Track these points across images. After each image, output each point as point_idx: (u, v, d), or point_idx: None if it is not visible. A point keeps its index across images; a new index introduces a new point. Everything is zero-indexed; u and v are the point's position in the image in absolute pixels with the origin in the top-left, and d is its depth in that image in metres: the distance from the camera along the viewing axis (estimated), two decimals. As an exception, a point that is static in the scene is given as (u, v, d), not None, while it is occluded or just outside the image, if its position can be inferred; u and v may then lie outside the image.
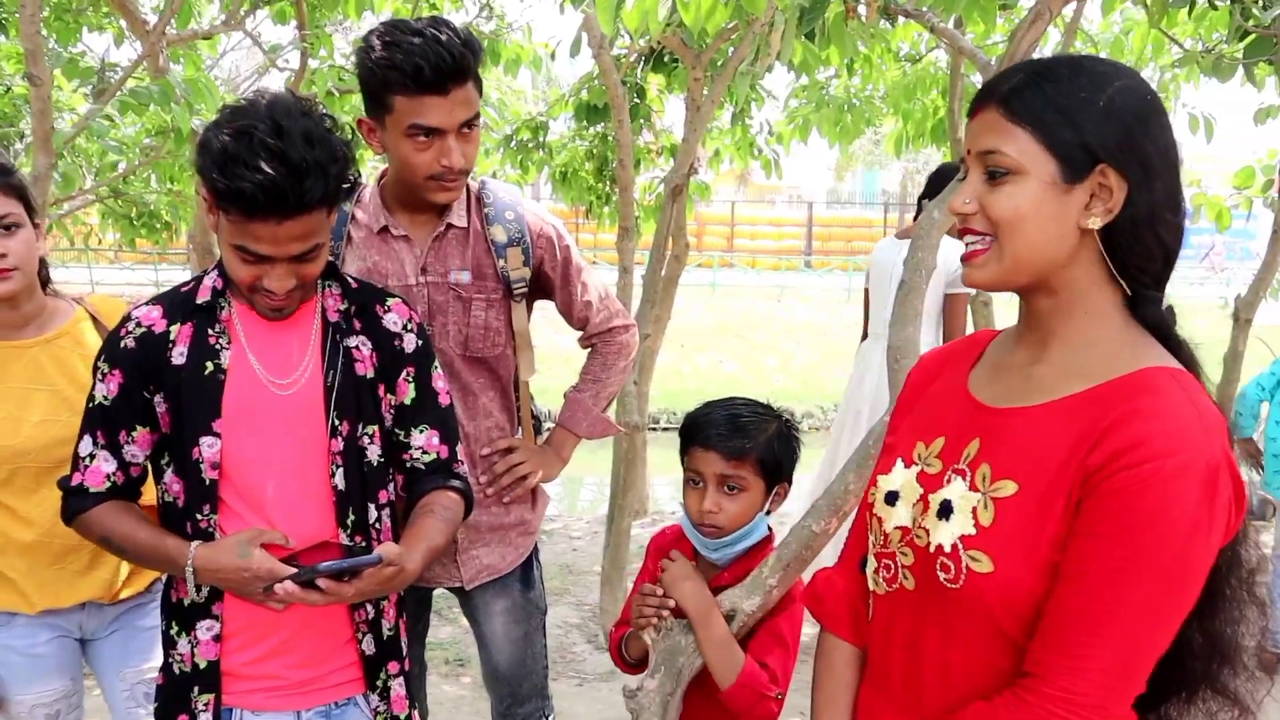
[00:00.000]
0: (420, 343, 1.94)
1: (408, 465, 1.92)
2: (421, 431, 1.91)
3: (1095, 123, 1.16)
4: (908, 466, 1.33)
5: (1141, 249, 1.19)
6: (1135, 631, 1.11)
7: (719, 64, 5.05)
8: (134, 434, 1.79)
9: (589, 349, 2.54)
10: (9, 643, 2.26)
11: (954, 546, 1.21)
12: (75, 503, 1.82)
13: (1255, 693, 1.25)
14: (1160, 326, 1.22)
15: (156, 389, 1.78)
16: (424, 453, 1.92)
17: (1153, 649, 1.13)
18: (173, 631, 1.84)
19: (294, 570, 1.62)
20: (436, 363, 1.98)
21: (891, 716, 1.34)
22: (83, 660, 2.40)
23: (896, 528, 1.31)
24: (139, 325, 1.80)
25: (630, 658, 2.10)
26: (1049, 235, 1.18)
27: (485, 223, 2.29)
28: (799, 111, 6.84)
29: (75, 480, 1.83)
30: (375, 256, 2.25)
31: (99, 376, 1.80)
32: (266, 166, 1.59)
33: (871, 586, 1.38)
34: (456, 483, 1.94)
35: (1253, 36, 3.83)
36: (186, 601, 1.81)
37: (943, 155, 6.79)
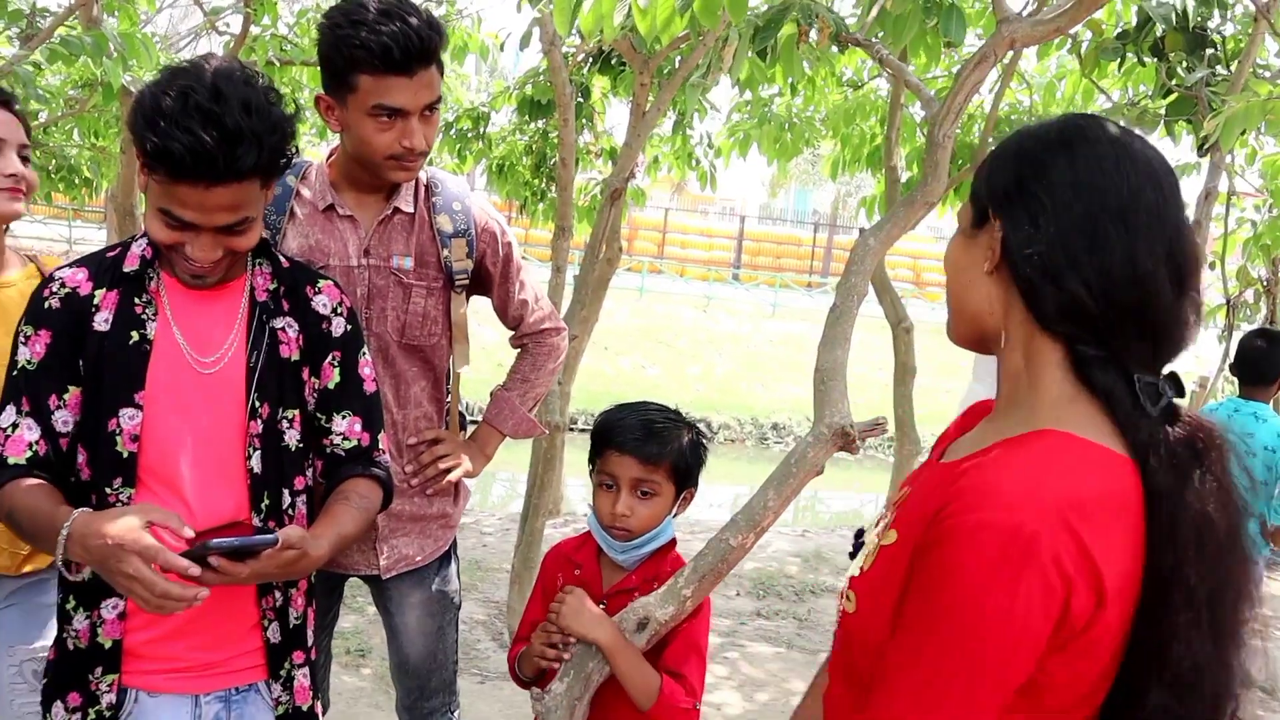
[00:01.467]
0: (349, 327, 1.90)
1: (328, 451, 1.88)
2: (344, 418, 1.88)
3: (993, 172, 1.20)
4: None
5: (1052, 296, 1.10)
6: (926, 687, 1.05)
7: (665, 71, 5.07)
8: (65, 396, 1.72)
9: (519, 349, 2.54)
10: None
11: (845, 585, 1.24)
12: None
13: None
14: (1106, 392, 1.10)
15: (78, 353, 1.72)
16: (345, 439, 1.88)
17: (951, 711, 1.04)
18: (69, 606, 1.76)
19: (186, 550, 1.53)
20: (365, 349, 1.94)
21: None
22: None
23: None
24: (63, 286, 1.73)
25: (525, 675, 2.09)
26: (964, 282, 1.22)
27: (432, 211, 2.27)
28: (740, 125, 6.89)
29: None
30: (318, 234, 2.21)
31: (22, 340, 1.72)
32: (199, 130, 1.54)
33: None
34: (376, 471, 1.91)
35: (1175, 95, 3.98)
36: (87, 577, 1.74)
37: (876, 181, 6.90)
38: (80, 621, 1.75)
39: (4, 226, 2.23)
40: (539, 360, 2.51)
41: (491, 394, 2.52)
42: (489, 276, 2.38)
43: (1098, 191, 1.10)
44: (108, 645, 1.73)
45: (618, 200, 4.95)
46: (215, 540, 1.54)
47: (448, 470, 2.35)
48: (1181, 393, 1.13)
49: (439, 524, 2.41)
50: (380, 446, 1.94)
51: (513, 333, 2.51)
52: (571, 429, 9.39)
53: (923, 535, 1.09)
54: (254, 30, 5.22)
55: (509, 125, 6.96)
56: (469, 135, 6.81)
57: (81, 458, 1.72)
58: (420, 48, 2.02)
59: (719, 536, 2.06)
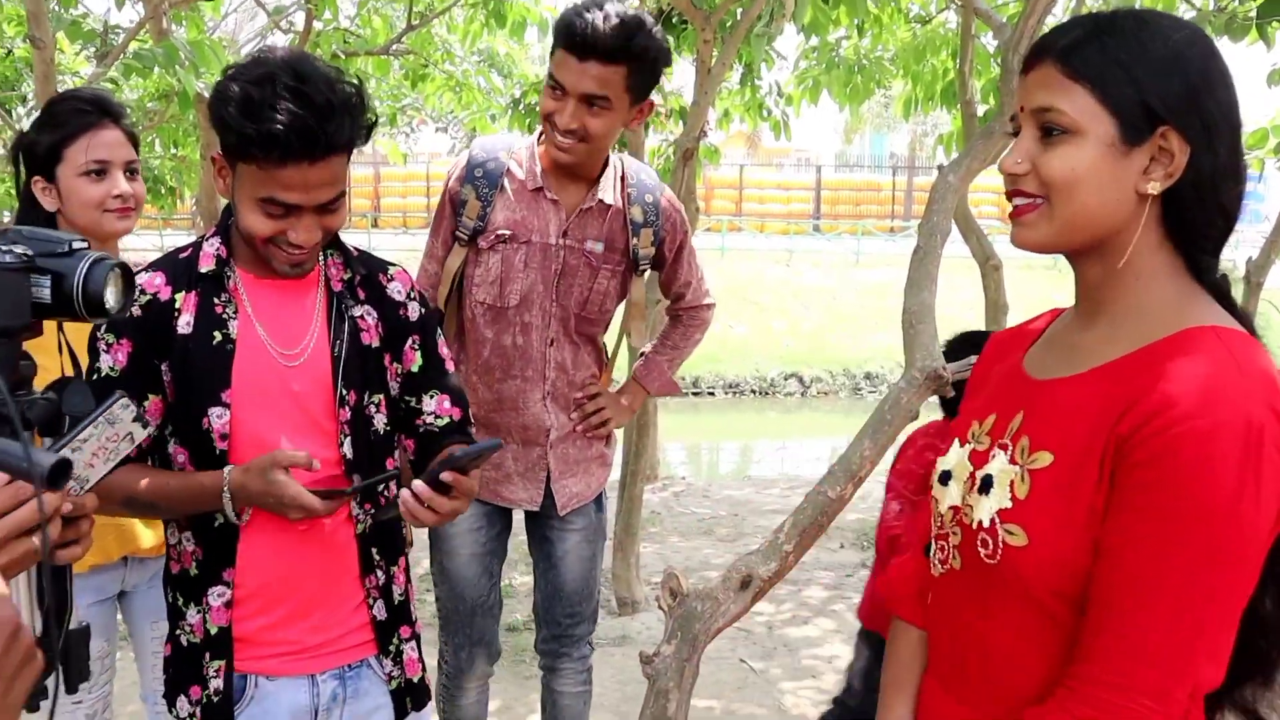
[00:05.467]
0: (423, 310, 1.93)
1: (421, 430, 1.92)
2: (432, 397, 1.91)
3: (1158, 81, 1.10)
4: (962, 445, 1.29)
5: (1203, 215, 1.13)
6: (1186, 608, 1.03)
7: (728, 25, 4.99)
8: (145, 403, 1.77)
9: (672, 316, 2.78)
10: None
11: (992, 521, 1.16)
12: None
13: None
14: (1222, 290, 1.16)
15: (162, 357, 1.77)
16: (437, 417, 1.92)
17: (1213, 626, 1.05)
18: (179, 603, 1.82)
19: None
20: (440, 330, 1.98)
21: (946, 702, 1.29)
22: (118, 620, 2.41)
23: (950, 507, 1.27)
24: (143, 293, 1.77)
25: None
26: (1105, 199, 1.12)
27: (628, 201, 2.49)
28: (808, 73, 6.77)
29: None
30: (525, 211, 2.42)
31: (103, 347, 1.76)
32: (296, 107, 1.58)
33: (931, 570, 1.33)
34: (470, 441, 1.95)
35: (1266, -5, 3.77)
36: (192, 572, 1.80)
37: (952, 118, 6.72)
38: (193, 616, 1.80)
39: (113, 242, 2.29)
40: (690, 331, 2.77)
41: (643, 354, 2.78)
42: (664, 259, 2.62)
43: (1237, 114, 1.13)
44: (214, 632, 1.79)
45: (690, 160, 4.90)
46: (459, 451, 1.66)
47: (605, 420, 2.61)
48: (1229, 288, 1.20)
49: (598, 463, 2.67)
50: (471, 421, 1.98)
51: (671, 302, 2.75)
52: (662, 394, 9.48)
53: (1109, 450, 1.08)
54: (316, 26, 5.28)
55: (576, 95, 6.94)
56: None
57: (182, 457, 1.77)
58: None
59: (817, 489, 2.04)
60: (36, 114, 3.03)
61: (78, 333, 1.51)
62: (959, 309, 14.57)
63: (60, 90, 3.43)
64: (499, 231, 2.41)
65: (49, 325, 1.16)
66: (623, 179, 2.50)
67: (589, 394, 2.60)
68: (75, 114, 2.19)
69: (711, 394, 15.07)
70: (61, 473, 0.78)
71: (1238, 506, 1.02)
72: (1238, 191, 1.14)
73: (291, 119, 1.57)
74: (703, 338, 2.82)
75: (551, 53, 2.32)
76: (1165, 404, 1.04)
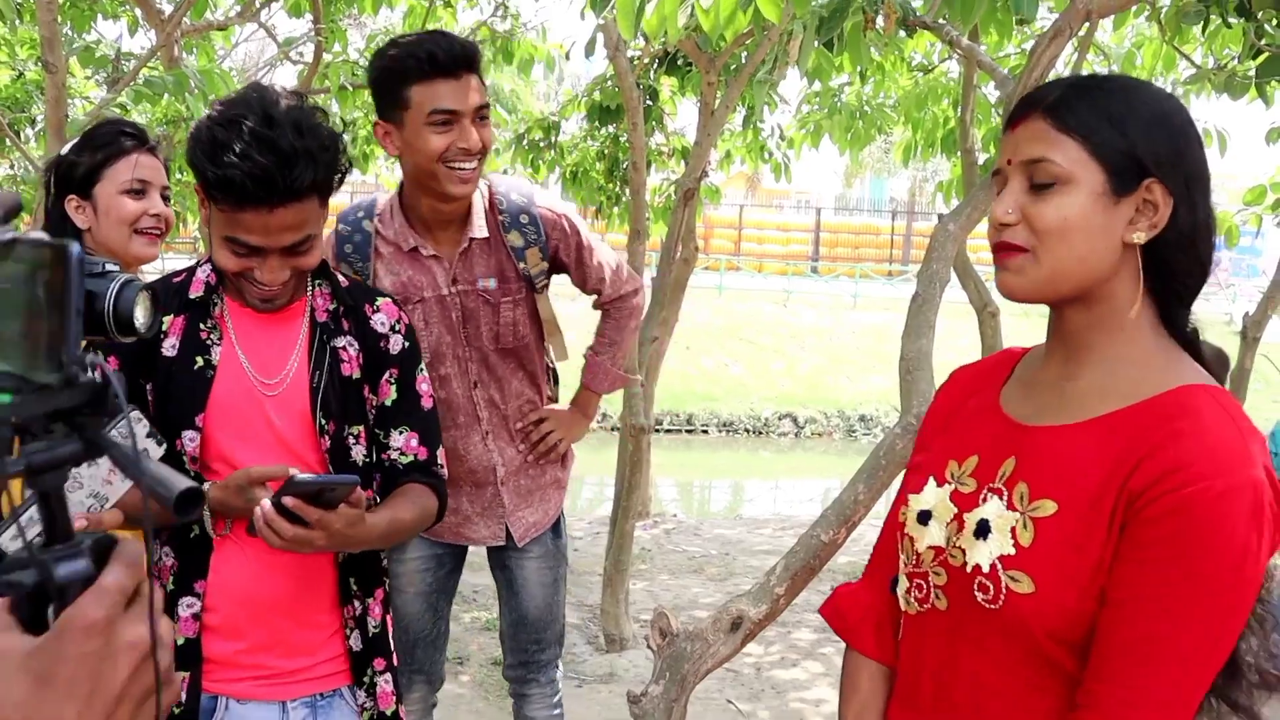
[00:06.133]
0: (407, 344, 1.94)
1: (386, 465, 1.92)
2: (401, 433, 1.92)
3: (1144, 136, 1.15)
4: (940, 485, 1.30)
5: (1183, 266, 1.18)
6: (1191, 660, 1.09)
7: (732, 68, 5.05)
8: None
9: (602, 311, 2.73)
10: None
11: (993, 566, 1.18)
12: None
13: (1260, 706, 1.21)
14: (1193, 343, 1.22)
15: (147, 378, 1.79)
16: (402, 454, 1.91)
17: (1207, 676, 1.10)
18: None
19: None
20: (422, 366, 1.98)
21: None
22: None
23: (929, 547, 1.28)
24: None
25: None
26: (1094, 248, 1.16)
27: (502, 230, 2.43)
28: (810, 117, 6.84)
29: None
30: (409, 271, 2.40)
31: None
32: (256, 154, 1.59)
33: (903, 606, 1.34)
34: (433, 481, 1.94)
35: (1266, 55, 3.82)
36: (168, 588, 1.80)
37: (952, 165, 6.79)
38: None
39: (136, 268, 2.33)
40: (622, 321, 2.70)
41: (585, 358, 2.74)
42: (565, 264, 2.55)
43: (1208, 174, 1.20)
44: (181, 643, 1.78)
45: (691, 200, 4.95)
46: (300, 477, 1.60)
47: (556, 442, 2.60)
48: (1199, 339, 1.26)
49: (554, 488, 2.66)
50: (439, 461, 1.97)
51: (594, 298, 2.69)
52: (657, 430, 9.43)
53: (1120, 504, 1.12)
54: (326, 58, 5.33)
55: (580, 132, 7.00)
56: (541, 145, 6.87)
57: None
58: (461, 52, 2.22)
59: (810, 533, 2.06)
60: (48, 138, 3.06)
61: None
62: (956, 355, 14.57)
63: (69, 114, 3.47)
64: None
65: None
66: (492, 206, 2.45)
67: (530, 421, 2.58)
68: (120, 137, 2.26)
69: (705, 432, 15.06)
70: (191, 501, 0.72)
71: (1244, 566, 1.07)
72: (1212, 244, 1.20)
73: (250, 165, 1.59)
74: (640, 323, 2.80)
75: (402, 96, 2.23)
76: (1179, 464, 1.09)
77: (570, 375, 2.76)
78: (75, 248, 0.68)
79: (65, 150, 2.30)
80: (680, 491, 11.88)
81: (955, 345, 14.30)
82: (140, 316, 1.07)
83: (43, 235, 0.69)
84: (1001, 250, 1.20)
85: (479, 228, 2.40)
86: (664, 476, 9.18)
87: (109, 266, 1.18)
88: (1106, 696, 1.10)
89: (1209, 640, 1.09)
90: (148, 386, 1.79)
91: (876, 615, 1.42)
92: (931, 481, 1.32)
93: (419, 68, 2.19)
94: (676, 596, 5.69)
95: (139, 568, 0.69)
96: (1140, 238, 1.15)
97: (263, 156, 1.59)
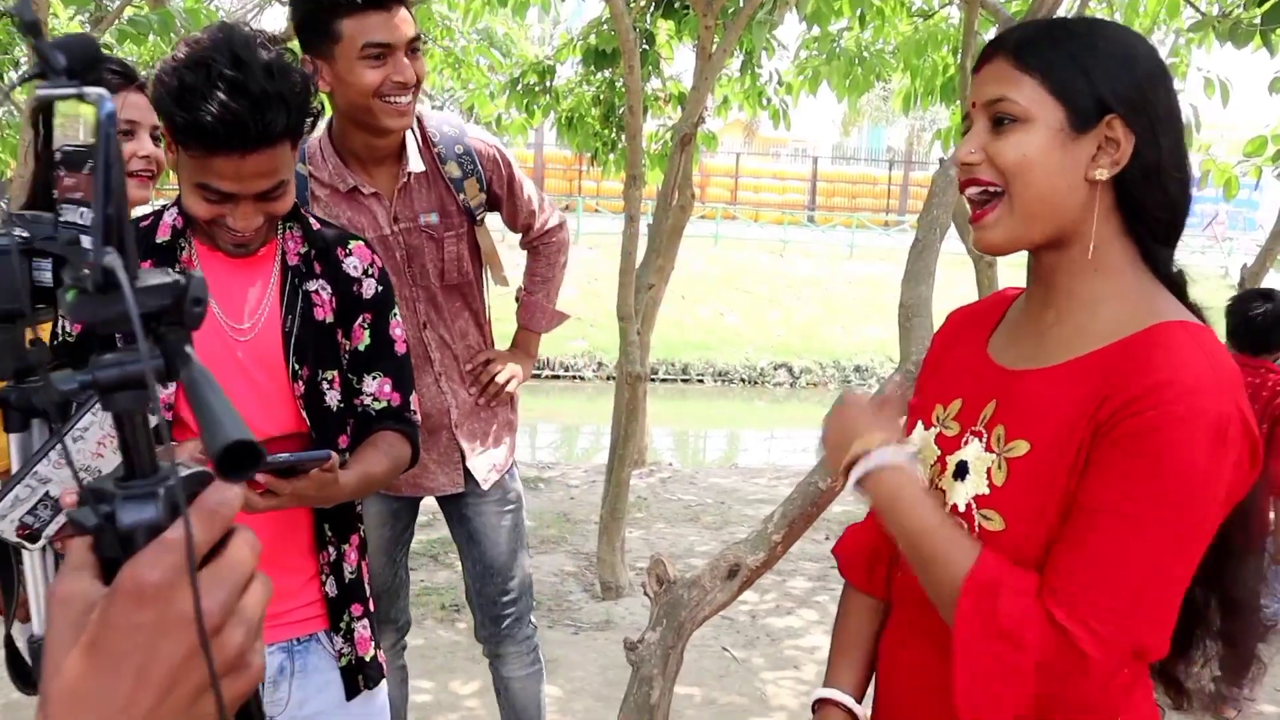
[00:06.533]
0: (380, 289, 1.91)
1: (359, 410, 1.91)
2: (374, 378, 1.90)
3: (1106, 74, 1.16)
4: (927, 428, 1.33)
5: (1151, 202, 1.19)
6: (1146, 572, 1.10)
7: (730, 12, 4.96)
8: None
9: (530, 249, 2.73)
10: None
11: (968, 506, 1.22)
12: None
13: (1265, 649, 1.26)
14: (1175, 280, 1.23)
15: None
16: (375, 399, 1.90)
17: (1165, 594, 1.11)
18: None
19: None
20: (395, 311, 1.95)
21: (911, 670, 1.35)
22: None
23: None
24: None
25: None
26: (1057, 185, 1.17)
27: (439, 161, 2.41)
28: (809, 63, 6.74)
29: None
30: (349, 213, 2.35)
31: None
32: (227, 98, 1.53)
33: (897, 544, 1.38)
34: (405, 428, 1.93)
35: (1272, 2, 3.75)
36: None
37: (951, 114, 6.71)
38: None
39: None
40: (551, 257, 2.71)
41: (517, 299, 2.73)
42: (497, 198, 2.55)
43: (1179, 116, 1.21)
44: None
45: (688, 146, 4.88)
46: (271, 456, 1.56)
47: (506, 383, 2.58)
48: (1186, 283, 1.27)
49: (505, 430, 2.65)
50: (412, 407, 1.96)
51: (522, 237, 2.70)
52: (653, 379, 9.42)
53: (1086, 437, 1.13)
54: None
55: (575, 77, 6.90)
56: (535, 89, 6.77)
57: None
58: None
59: (807, 479, 2.04)
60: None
61: None
62: (953, 303, 14.55)
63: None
64: None
65: None
66: (424, 140, 2.42)
67: (479, 362, 2.58)
68: (106, 75, 2.19)
69: (701, 381, 15.08)
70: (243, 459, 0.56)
71: (1204, 490, 1.09)
72: (1182, 182, 1.19)
73: (222, 110, 1.53)
74: (567, 259, 2.76)
75: (332, 28, 2.18)
76: (1145, 391, 1.10)
77: (504, 325, 2.75)
78: (108, 105, 0.56)
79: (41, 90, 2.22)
80: (676, 440, 11.91)
81: (954, 294, 14.24)
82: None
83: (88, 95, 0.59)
84: (970, 187, 1.22)
85: (415, 161, 2.37)
86: (660, 426, 9.18)
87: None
88: (1067, 569, 1.12)
89: (1164, 556, 1.10)
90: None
91: (870, 551, 1.46)
92: (920, 425, 1.36)
93: (349, 1, 2.14)
94: (673, 545, 5.71)
95: (220, 518, 0.58)
96: (1103, 174, 1.16)
97: (234, 101, 1.53)
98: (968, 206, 1.26)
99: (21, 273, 1.06)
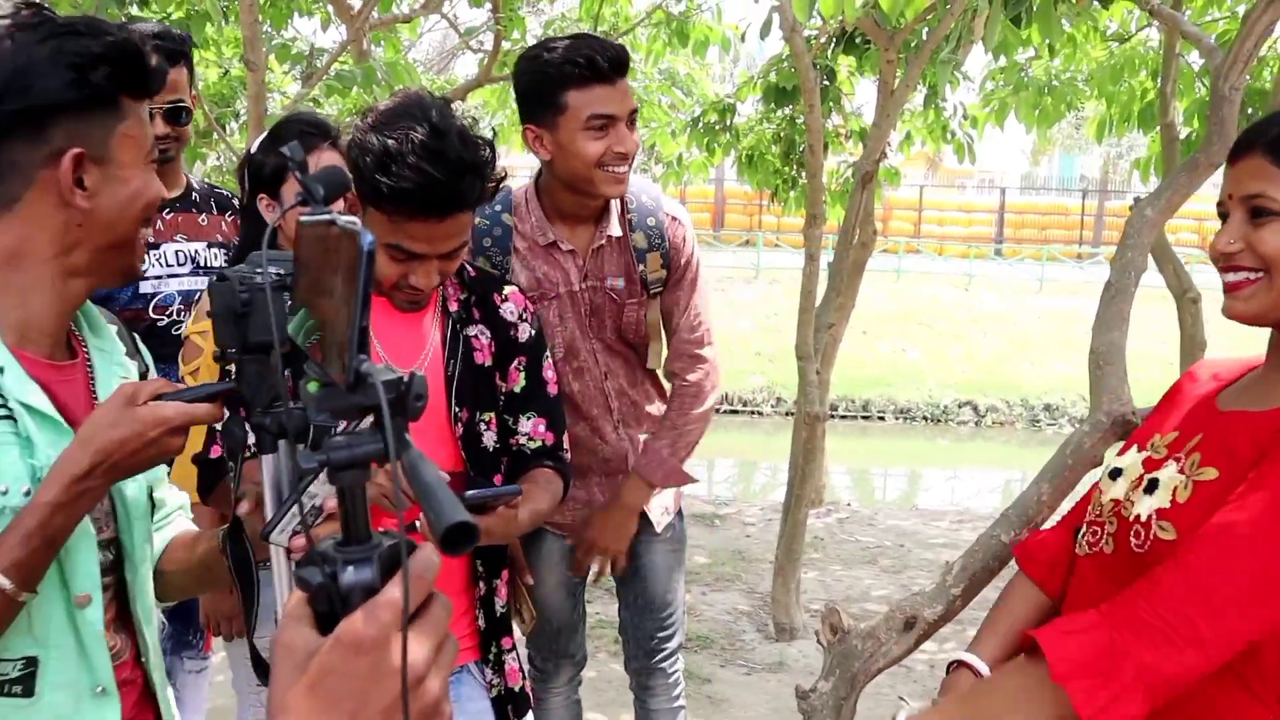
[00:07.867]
0: (533, 333, 2.00)
1: (514, 449, 1.99)
2: (529, 419, 1.99)
3: None
4: (1140, 451, 1.49)
5: None
6: (1242, 599, 1.20)
7: (913, 45, 4.89)
8: None
9: (670, 378, 2.58)
10: None
11: (1149, 517, 1.36)
12: (212, 474, 1.87)
13: None
14: None
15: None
16: (530, 439, 1.99)
17: (1253, 622, 1.20)
18: None
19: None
20: (548, 353, 2.05)
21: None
22: None
23: (1111, 499, 1.47)
24: None
25: None
26: None
27: (629, 229, 2.45)
28: (995, 94, 6.57)
29: (215, 453, 1.86)
30: (544, 268, 2.42)
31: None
32: (429, 167, 1.63)
33: (1076, 550, 1.54)
34: (559, 466, 2.01)
35: None
36: None
37: (1150, 140, 6.39)
38: None
39: None
40: (684, 404, 2.52)
41: (643, 443, 2.55)
42: (670, 274, 2.51)
43: None
44: None
45: (869, 183, 4.83)
46: (468, 493, 1.64)
47: (599, 556, 2.53)
48: None
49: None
50: (564, 446, 2.04)
51: (668, 358, 2.57)
52: (832, 417, 9.26)
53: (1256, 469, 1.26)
54: (505, 45, 5.45)
55: (756, 114, 6.93)
56: (716, 128, 6.84)
57: None
58: (617, 58, 2.24)
59: (989, 533, 1.96)
60: (249, 131, 3.22)
61: None
62: (1151, 344, 13.79)
63: (268, 108, 3.65)
64: (527, 293, 2.29)
65: None
66: (623, 205, 2.45)
67: (581, 552, 2.54)
68: (300, 136, 2.27)
69: (881, 419, 14.76)
70: (462, 537, 0.62)
71: None
72: None
73: (424, 178, 1.62)
74: (707, 412, 2.52)
75: (557, 100, 2.23)
76: None
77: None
78: (369, 239, 0.65)
79: (253, 148, 2.36)
80: (855, 479, 11.68)
81: (1151, 332, 13.52)
82: None
83: (351, 220, 0.68)
84: (1229, 274, 1.37)
85: (614, 226, 2.42)
86: (838, 464, 9.04)
87: None
88: (1160, 578, 1.25)
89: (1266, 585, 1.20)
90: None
91: (1054, 551, 1.61)
92: (1134, 448, 1.52)
93: (578, 73, 2.20)
94: (849, 587, 5.60)
95: (425, 582, 0.65)
96: None
97: (435, 169, 1.63)
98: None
99: (276, 308, 1.14)
